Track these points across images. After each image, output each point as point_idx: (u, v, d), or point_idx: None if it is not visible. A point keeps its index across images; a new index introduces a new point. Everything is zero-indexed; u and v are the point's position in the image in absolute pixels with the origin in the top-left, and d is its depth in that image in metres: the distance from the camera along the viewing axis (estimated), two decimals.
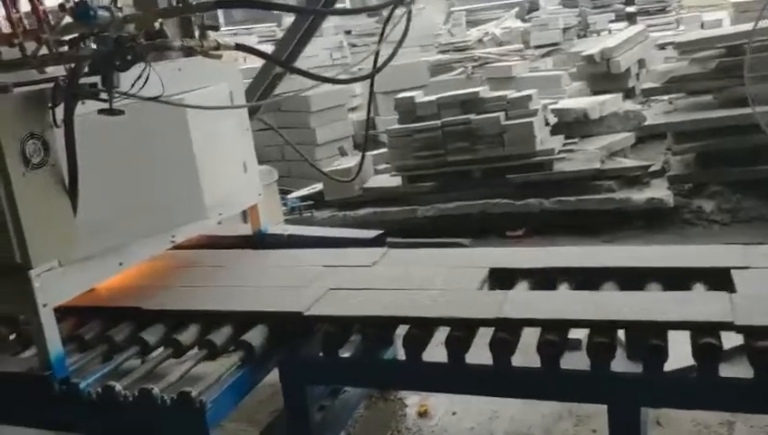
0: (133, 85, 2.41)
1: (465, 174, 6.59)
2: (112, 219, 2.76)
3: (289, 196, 7.59)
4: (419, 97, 6.86)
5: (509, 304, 2.55)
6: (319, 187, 7.29)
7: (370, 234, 3.70)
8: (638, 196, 5.99)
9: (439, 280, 2.82)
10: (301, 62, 5.58)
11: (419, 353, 2.57)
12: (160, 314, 2.93)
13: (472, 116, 6.46)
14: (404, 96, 6.97)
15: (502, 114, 6.41)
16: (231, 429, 3.22)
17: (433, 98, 6.76)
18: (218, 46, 2.82)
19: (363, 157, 4.53)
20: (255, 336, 2.69)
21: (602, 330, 2.36)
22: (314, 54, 10.30)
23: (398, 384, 3.07)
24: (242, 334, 2.72)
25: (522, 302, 2.61)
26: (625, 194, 6.07)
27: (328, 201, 7.11)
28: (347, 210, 6.98)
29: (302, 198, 7.29)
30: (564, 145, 6.71)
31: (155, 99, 2.48)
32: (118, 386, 2.50)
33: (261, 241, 3.85)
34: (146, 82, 2.42)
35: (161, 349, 2.82)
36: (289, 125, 8.95)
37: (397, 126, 6.90)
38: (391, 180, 6.91)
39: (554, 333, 2.39)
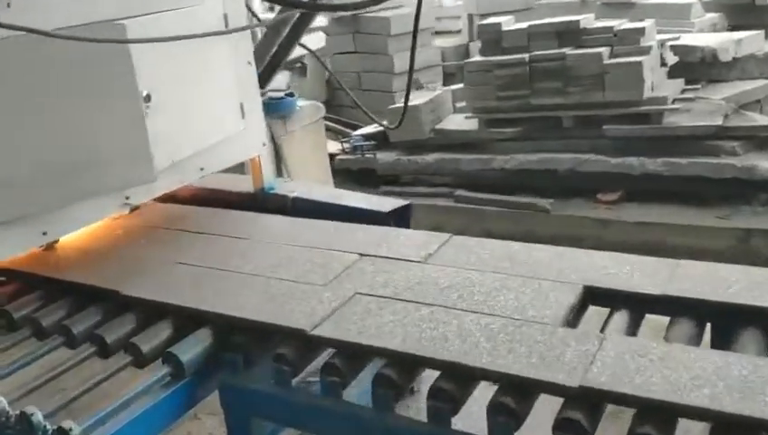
0: None
1: (553, 121, 5.67)
2: (25, 180, 2.19)
3: (354, 133, 6.91)
4: (507, 24, 5.89)
5: (605, 362, 1.66)
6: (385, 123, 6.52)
7: (389, 204, 2.97)
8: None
9: (509, 299, 1.97)
10: None
11: (449, 416, 1.70)
12: (106, 296, 2.37)
13: (568, 50, 5.47)
14: (490, 22, 6.03)
15: (605, 50, 5.38)
16: None
17: (523, 25, 5.78)
18: None
19: (406, 103, 3.76)
20: (190, 348, 2.08)
21: None
22: None
23: None
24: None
25: (625, 360, 1.65)
26: (751, 160, 4.97)
27: (393, 142, 6.37)
28: (413, 154, 6.24)
29: (366, 137, 6.59)
30: (682, 92, 5.61)
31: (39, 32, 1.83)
32: (2, 401, 1.98)
33: (263, 201, 3.22)
34: None
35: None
36: (366, 50, 8.18)
37: (477, 58, 6.00)
38: (467, 123, 6.07)
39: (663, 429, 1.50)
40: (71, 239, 2.73)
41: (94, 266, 2.46)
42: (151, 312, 2.22)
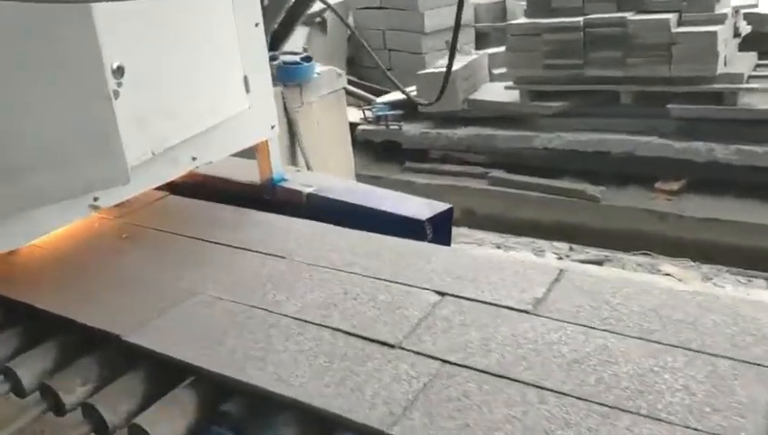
0: None
1: (609, 97, 5.04)
2: None
3: (378, 100, 6.28)
4: None
5: None
6: (412, 91, 5.89)
7: (427, 209, 2.37)
8: None
9: (675, 389, 1.31)
10: None
11: None
12: (61, 324, 1.81)
13: (630, 15, 4.82)
14: None
15: (673, 17, 4.72)
16: None
17: None
18: None
19: (448, 72, 3.16)
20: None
21: None
22: None
23: None
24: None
25: None
26: None
27: (422, 112, 5.75)
28: (444, 127, 5.63)
29: (392, 105, 5.96)
30: (756, 68, 4.95)
31: None
32: None
33: (271, 196, 2.64)
34: None
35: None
36: (393, 5, 7.48)
37: (522, 20, 5.34)
38: (506, 94, 5.45)
39: None
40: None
41: (69, 289, 1.88)
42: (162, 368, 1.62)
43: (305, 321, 1.60)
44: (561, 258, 4.21)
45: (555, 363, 1.40)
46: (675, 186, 4.81)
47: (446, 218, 2.41)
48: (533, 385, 1.35)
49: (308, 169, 4.19)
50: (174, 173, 2.27)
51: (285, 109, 4.07)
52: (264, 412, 1.46)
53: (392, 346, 1.49)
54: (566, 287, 1.66)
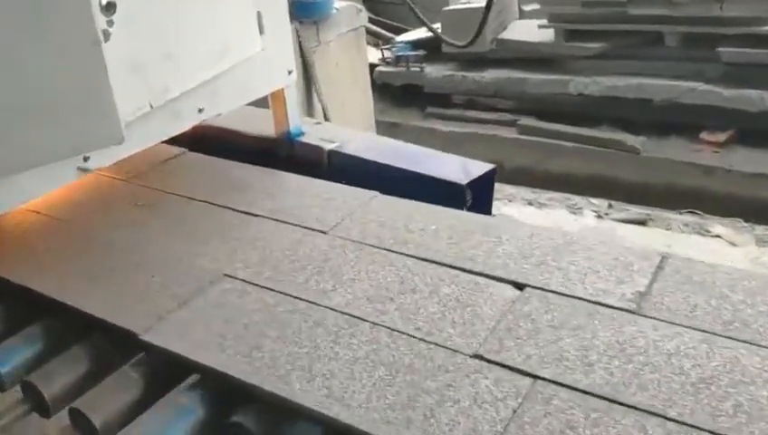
0: None
1: (653, 38, 4.69)
2: None
3: (398, 38, 5.91)
4: None
5: None
6: (437, 28, 5.50)
7: (465, 171, 2.08)
8: None
9: None
10: None
11: None
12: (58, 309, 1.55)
13: None
14: None
15: None
16: None
17: None
18: None
19: (488, 11, 2.83)
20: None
21: None
22: None
23: None
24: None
25: None
26: None
27: (446, 53, 5.39)
28: (470, 69, 5.29)
29: (413, 44, 5.59)
30: None
31: None
32: None
33: (288, 151, 2.37)
34: None
35: None
36: None
37: None
38: (539, 33, 5.09)
39: None
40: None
41: (72, 269, 1.60)
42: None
43: (356, 317, 1.34)
44: (600, 217, 3.93)
45: (677, 383, 1.14)
46: (722, 137, 4.50)
47: (489, 181, 2.13)
48: (654, 414, 1.09)
49: (325, 118, 3.89)
50: (177, 128, 1.98)
51: (301, 49, 3.74)
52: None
53: (467, 355, 1.23)
54: (672, 278, 1.38)
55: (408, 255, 1.52)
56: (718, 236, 3.72)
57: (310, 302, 1.38)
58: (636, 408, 1.09)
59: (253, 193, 1.84)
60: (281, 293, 1.42)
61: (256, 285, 1.45)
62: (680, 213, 3.92)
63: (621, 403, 1.10)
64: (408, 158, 2.23)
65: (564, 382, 1.15)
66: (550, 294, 1.36)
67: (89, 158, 1.72)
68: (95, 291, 1.46)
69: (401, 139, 2.49)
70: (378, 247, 1.55)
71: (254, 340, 1.29)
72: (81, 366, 1.36)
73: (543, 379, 1.16)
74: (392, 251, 1.53)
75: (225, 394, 1.23)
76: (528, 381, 1.16)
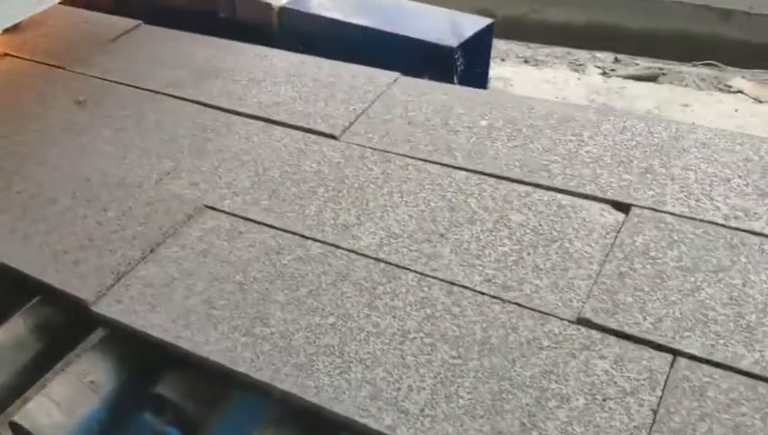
0: None
1: None
2: None
3: None
4: None
5: None
6: None
7: (460, 28, 1.64)
8: None
9: None
10: None
11: None
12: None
13: None
14: None
15: None
16: None
17: None
18: None
19: None
20: None
21: None
22: None
23: None
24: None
25: None
26: None
27: None
28: None
29: None
30: None
31: None
32: None
33: (229, 12, 1.92)
34: None
35: None
36: None
37: None
38: None
39: None
40: None
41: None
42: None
43: (396, 265, 0.95)
44: (605, 73, 3.49)
45: None
46: None
47: (484, 40, 1.70)
48: None
49: None
50: None
51: None
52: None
53: (567, 321, 0.86)
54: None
55: (455, 167, 1.11)
56: (740, 91, 3.33)
57: (328, 244, 1.00)
58: None
59: (230, 80, 1.39)
60: (285, 231, 1.03)
61: (250, 220, 1.05)
62: (695, 65, 3.49)
63: None
64: (381, 14, 1.77)
65: (721, 361, 0.79)
66: (668, 218, 0.98)
67: None
68: (27, 243, 1.05)
69: None
70: (412, 157, 1.15)
71: (254, 307, 0.91)
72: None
73: (689, 356, 0.81)
74: (432, 162, 1.13)
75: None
76: (666, 359, 0.81)
